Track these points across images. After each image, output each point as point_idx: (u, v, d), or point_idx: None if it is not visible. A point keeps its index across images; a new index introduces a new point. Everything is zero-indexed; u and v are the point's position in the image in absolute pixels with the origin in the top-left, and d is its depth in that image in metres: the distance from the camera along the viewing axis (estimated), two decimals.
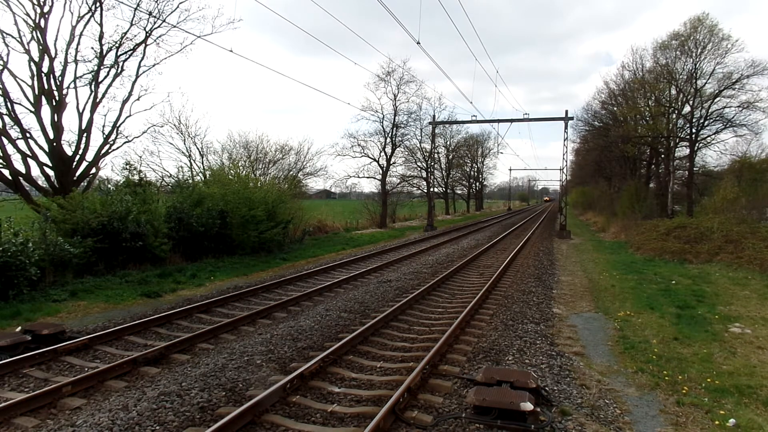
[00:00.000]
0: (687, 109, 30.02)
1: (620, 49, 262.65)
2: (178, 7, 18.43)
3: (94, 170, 18.40)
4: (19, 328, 7.48)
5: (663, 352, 7.42)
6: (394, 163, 36.51)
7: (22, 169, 16.24)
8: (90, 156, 17.84)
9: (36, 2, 15.83)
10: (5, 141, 15.68)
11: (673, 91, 30.88)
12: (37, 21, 15.94)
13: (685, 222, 22.10)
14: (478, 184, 72.66)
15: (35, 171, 16.90)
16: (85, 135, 17.28)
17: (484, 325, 8.65)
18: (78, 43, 16.81)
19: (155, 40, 18.27)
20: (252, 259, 16.54)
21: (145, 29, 17.79)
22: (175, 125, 25.25)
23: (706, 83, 28.73)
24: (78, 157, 17.30)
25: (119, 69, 17.81)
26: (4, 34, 15.58)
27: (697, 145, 30.32)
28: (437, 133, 40.72)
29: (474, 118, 30.58)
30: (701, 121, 29.57)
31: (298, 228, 22.22)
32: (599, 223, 38.63)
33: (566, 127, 28.70)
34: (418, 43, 15.33)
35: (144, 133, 22.41)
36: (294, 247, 20.02)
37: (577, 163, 62.81)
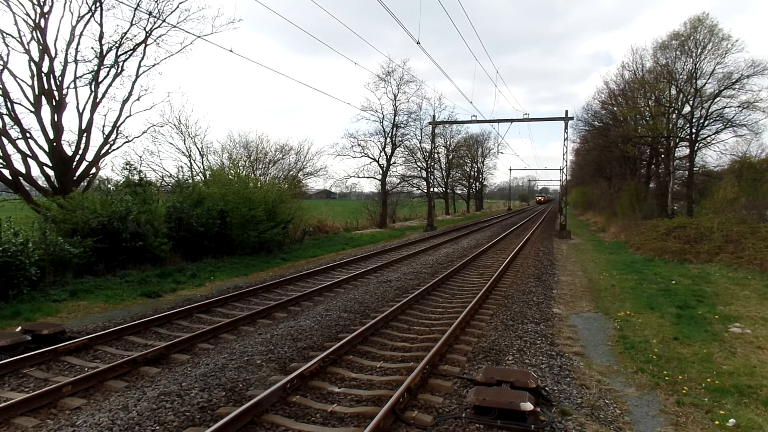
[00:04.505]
0: (687, 109, 30.03)
1: (620, 49, 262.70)
2: (178, 7, 18.48)
3: (94, 170, 18.43)
4: (19, 328, 7.48)
5: (663, 352, 7.42)
6: (394, 163, 36.56)
7: (22, 169, 16.26)
8: (90, 156, 17.90)
9: (36, 2, 15.85)
10: (5, 141, 15.70)
11: (673, 91, 30.87)
12: (37, 21, 15.94)
13: (685, 222, 22.09)
14: (478, 184, 72.67)
15: (35, 171, 16.95)
16: (85, 135, 17.30)
17: (484, 325, 8.65)
18: (78, 43, 16.87)
19: (155, 40, 18.32)
20: (252, 259, 16.55)
21: (145, 29, 17.84)
22: (175, 125, 25.28)
23: (706, 83, 28.73)
24: (78, 157, 17.31)
25: (119, 69, 17.85)
26: (4, 34, 15.62)
27: (697, 145, 30.31)
28: (437, 133, 40.73)
29: (474, 118, 30.60)
30: (701, 121, 29.57)
31: (298, 228, 22.21)
32: (599, 223, 38.64)
33: (566, 127, 28.74)
34: (418, 43, 15.35)
35: (144, 133, 22.45)
36: (294, 247, 20.02)
37: (577, 163, 62.83)
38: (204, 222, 15.83)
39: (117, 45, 17.44)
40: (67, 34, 18.05)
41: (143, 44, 17.96)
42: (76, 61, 16.93)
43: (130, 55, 17.95)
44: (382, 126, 35.27)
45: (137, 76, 18.37)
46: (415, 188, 41.73)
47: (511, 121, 30.07)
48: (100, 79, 17.42)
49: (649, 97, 33.22)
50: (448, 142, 55.24)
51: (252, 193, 17.81)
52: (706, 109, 29.20)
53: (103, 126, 18.06)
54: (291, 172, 30.79)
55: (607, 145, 39.05)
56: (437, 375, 6.27)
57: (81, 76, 17.17)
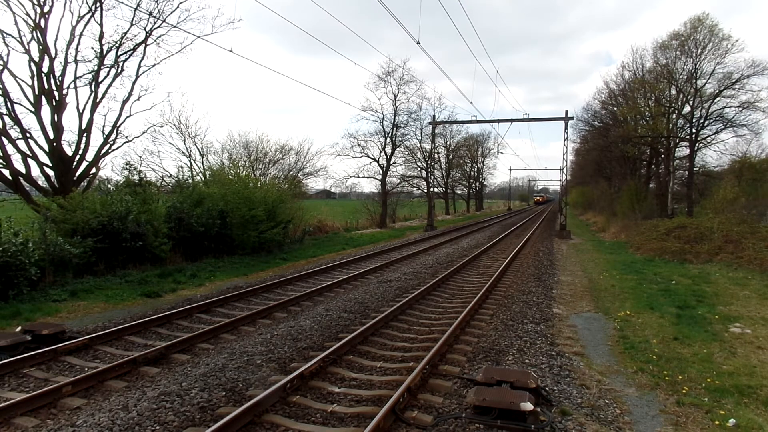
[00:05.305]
0: (687, 109, 30.03)
1: (620, 49, 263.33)
2: (178, 7, 18.51)
3: (94, 170, 18.44)
4: (19, 328, 7.48)
5: (663, 352, 7.42)
6: (394, 163, 36.54)
7: (22, 169, 16.26)
8: (90, 156, 17.90)
9: (36, 2, 15.86)
10: (5, 141, 15.70)
11: (673, 91, 30.88)
12: (37, 21, 15.94)
13: (685, 222, 22.09)
14: (478, 184, 72.66)
15: (35, 171, 16.95)
16: (85, 135, 17.30)
17: (484, 325, 8.65)
18: (78, 43, 16.88)
19: (155, 40, 18.32)
20: (252, 259, 16.55)
21: (145, 29, 17.84)
22: (175, 125, 25.30)
23: (706, 83, 28.74)
24: (78, 157, 17.32)
25: (119, 69, 17.85)
26: (4, 34, 15.62)
27: (697, 145, 30.31)
28: (437, 133, 40.72)
29: (474, 118, 30.59)
30: (701, 121, 29.57)
31: (298, 228, 22.21)
32: (599, 223, 38.63)
33: (566, 127, 28.72)
34: (418, 43, 15.35)
35: (144, 133, 22.46)
36: (294, 247, 20.02)
37: (577, 163, 62.81)
38: (204, 222, 15.83)
39: (117, 45, 17.46)
40: (67, 34, 18.09)
41: (143, 44, 17.98)
42: (76, 61, 16.96)
43: (130, 55, 17.98)
44: (382, 126, 35.30)
45: (137, 76, 18.40)
46: (415, 188, 41.73)
47: (511, 121, 30.09)
48: (100, 79, 17.44)
49: (649, 97, 33.24)
50: (448, 142, 55.30)
51: (252, 193, 17.81)
52: (706, 109, 29.22)
53: (103, 126, 18.10)
54: (291, 172, 30.81)
55: (607, 145, 39.05)
56: (437, 375, 6.27)
57: (81, 76, 17.20)
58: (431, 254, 18.89)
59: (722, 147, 36.62)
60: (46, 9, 16.05)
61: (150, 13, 17.47)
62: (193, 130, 33.29)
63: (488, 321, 8.97)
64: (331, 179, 39.64)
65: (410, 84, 35.36)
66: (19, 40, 15.85)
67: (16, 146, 15.99)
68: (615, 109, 37.56)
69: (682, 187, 33.26)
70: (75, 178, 17.34)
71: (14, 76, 16.60)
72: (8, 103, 15.68)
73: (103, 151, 18.08)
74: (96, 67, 17.25)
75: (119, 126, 18.25)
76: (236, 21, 21.02)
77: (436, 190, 48.30)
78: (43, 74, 16.17)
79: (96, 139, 31.66)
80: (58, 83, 16.58)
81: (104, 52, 17.23)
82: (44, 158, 16.64)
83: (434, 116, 33.24)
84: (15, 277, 9.80)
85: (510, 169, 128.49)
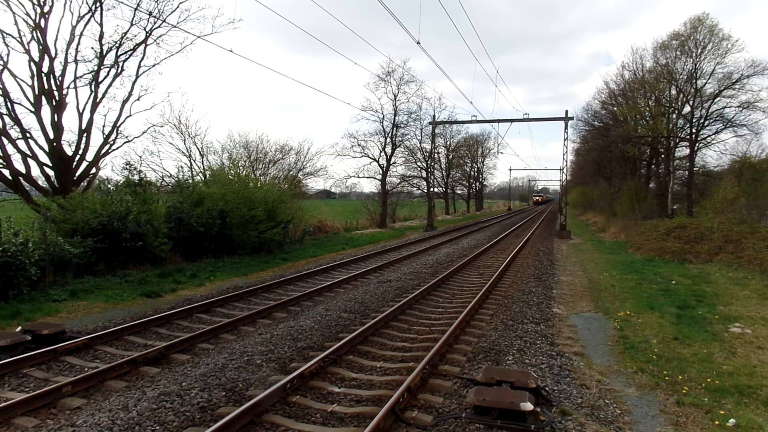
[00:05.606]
0: (687, 109, 30.03)
1: (620, 49, 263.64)
2: (178, 7, 18.51)
3: (94, 170, 18.45)
4: (19, 328, 7.48)
5: (663, 352, 7.42)
6: (394, 163, 36.53)
7: (22, 169, 16.26)
8: (90, 156, 17.91)
9: (36, 2, 15.86)
10: (5, 141, 15.70)
11: (673, 91, 30.89)
12: (37, 21, 15.94)
13: (685, 222, 22.09)
14: (478, 184, 72.66)
15: (35, 171, 16.96)
16: (85, 135, 17.31)
17: (484, 325, 8.65)
18: (78, 43, 16.88)
19: (155, 40, 18.33)
20: (252, 259, 16.55)
21: (145, 29, 17.85)
22: (175, 125, 25.29)
23: (706, 83, 28.74)
24: (78, 157, 17.32)
25: (119, 69, 17.85)
26: (4, 34, 15.63)
27: (697, 145, 30.31)
28: (437, 133, 40.70)
29: (474, 118, 30.59)
30: (701, 121, 29.57)
31: (298, 228, 22.21)
32: (599, 223, 38.63)
33: (566, 127, 28.72)
34: (418, 43, 15.35)
35: (144, 133, 22.48)
36: (294, 247, 20.02)
37: (577, 163, 62.82)
38: (204, 222, 15.83)
39: (117, 45, 17.47)
40: (67, 34, 18.08)
41: (143, 44, 17.98)
42: (76, 61, 16.96)
43: (130, 55, 17.98)
44: (382, 126, 35.30)
45: (137, 76, 18.40)
46: (415, 188, 41.73)
47: (511, 121, 30.09)
48: (100, 79, 17.44)
49: (649, 97, 33.24)
50: (448, 142, 55.30)
51: (252, 193, 17.81)
52: (706, 109, 29.22)
53: (103, 126, 18.10)
54: (291, 172, 30.81)
55: (607, 145, 39.05)
56: (437, 375, 6.27)
57: (81, 76, 17.20)
58: (431, 254, 18.89)
59: (722, 147, 36.74)
60: (46, 9, 16.06)
61: (150, 13, 17.49)
62: (193, 130, 33.32)
63: (488, 321, 8.97)
64: (331, 179, 39.67)
65: (410, 84, 35.43)
66: (19, 40, 15.88)
67: (16, 146, 16.01)
68: (615, 109, 37.57)
69: (682, 187, 33.26)
70: (75, 178, 17.34)
71: (14, 76, 16.64)
72: (8, 103, 15.71)
73: (103, 151, 18.09)
74: (96, 67, 17.28)
75: (119, 126, 18.29)
76: (236, 21, 21.04)
77: (436, 190, 48.31)
78: (43, 74, 16.18)
79: (96, 139, 31.73)
80: (58, 83, 16.59)
81: (104, 52, 17.25)
82: (44, 158, 16.66)
83: (434, 116, 33.26)
84: (15, 277, 9.80)
85: (510, 169, 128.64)
